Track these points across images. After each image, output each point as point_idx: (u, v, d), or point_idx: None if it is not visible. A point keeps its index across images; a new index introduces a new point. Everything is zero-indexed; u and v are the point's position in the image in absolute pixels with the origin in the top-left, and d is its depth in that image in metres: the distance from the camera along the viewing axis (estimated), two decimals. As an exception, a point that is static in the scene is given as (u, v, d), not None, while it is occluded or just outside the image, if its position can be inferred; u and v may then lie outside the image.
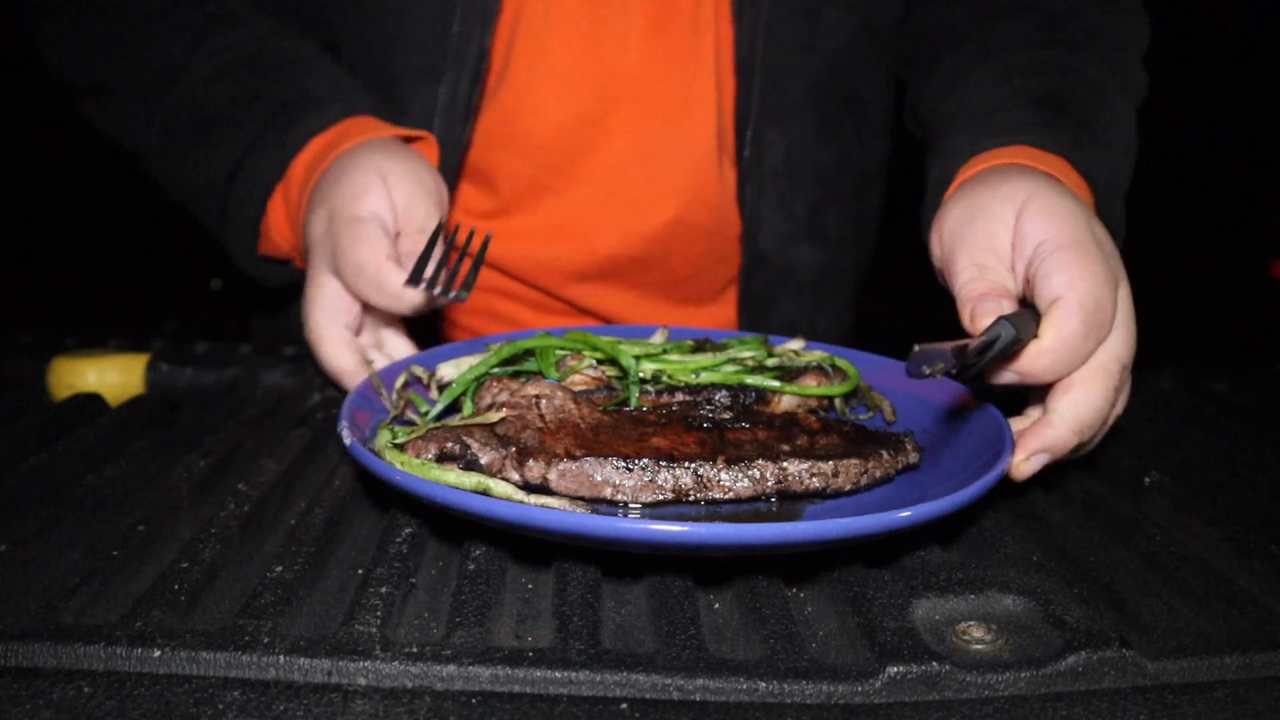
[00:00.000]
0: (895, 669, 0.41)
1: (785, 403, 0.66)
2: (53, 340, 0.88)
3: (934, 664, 0.41)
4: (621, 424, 0.58)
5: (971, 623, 0.45)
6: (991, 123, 0.74)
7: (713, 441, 0.57)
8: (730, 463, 0.54)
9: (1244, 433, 0.77)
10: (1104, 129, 0.76)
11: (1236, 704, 0.41)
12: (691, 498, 0.53)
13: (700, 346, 0.69)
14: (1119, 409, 0.62)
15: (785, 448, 0.57)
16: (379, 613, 0.44)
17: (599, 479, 0.52)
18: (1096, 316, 0.56)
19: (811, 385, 0.66)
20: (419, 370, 0.65)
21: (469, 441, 0.53)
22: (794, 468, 0.54)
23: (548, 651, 0.41)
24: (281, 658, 0.40)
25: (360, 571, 0.51)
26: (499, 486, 0.50)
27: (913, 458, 0.59)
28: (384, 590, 0.46)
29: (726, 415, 0.61)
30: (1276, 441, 0.75)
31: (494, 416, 0.55)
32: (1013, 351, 0.55)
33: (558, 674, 0.40)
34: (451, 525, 0.52)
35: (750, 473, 0.54)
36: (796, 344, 0.72)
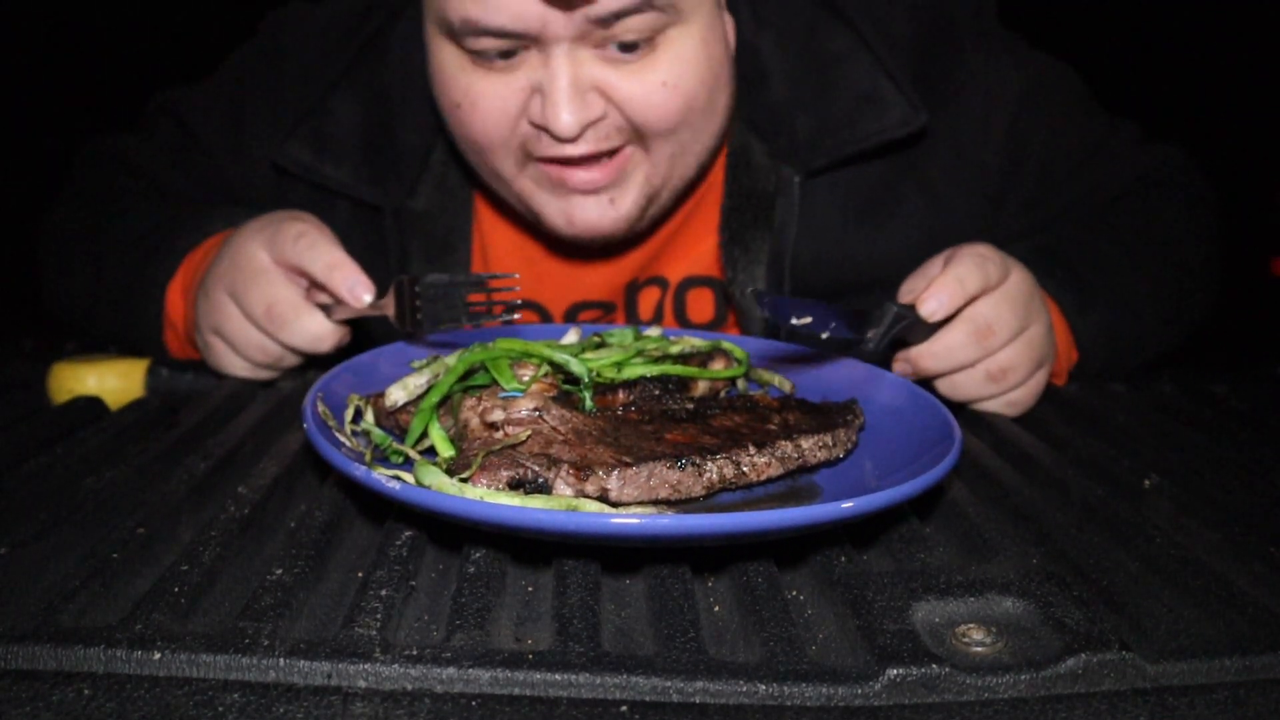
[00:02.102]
0: (895, 671, 0.41)
1: (701, 386, 0.71)
2: (53, 345, 0.89)
3: (934, 666, 0.41)
4: (621, 426, 0.58)
5: (971, 625, 0.45)
6: None
7: (716, 430, 0.58)
8: (759, 447, 0.57)
9: (1244, 435, 0.77)
10: (1092, 279, 0.88)
11: (1236, 706, 0.41)
12: (734, 484, 0.56)
13: (603, 342, 0.72)
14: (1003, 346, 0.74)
15: (774, 427, 0.60)
16: (379, 615, 0.44)
17: (654, 482, 0.53)
18: (977, 259, 0.71)
19: (720, 368, 0.72)
20: (357, 399, 0.63)
21: (530, 464, 0.52)
22: (806, 443, 0.59)
23: (548, 654, 0.41)
24: (281, 660, 0.40)
25: (360, 574, 0.51)
26: (587, 504, 0.49)
27: (863, 418, 0.66)
28: (384, 593, 0.46)
29: (689, 405, 0.64)
30: (1276, 444, 0.75)
31: (522, 436, 0.54)
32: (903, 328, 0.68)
33: (558, 676, 0.40)
34: (450, 529, 0.52)
35: (777, 454, 0.57)
36: (655, 330, 0.77)
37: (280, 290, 0.76)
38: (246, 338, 0.78)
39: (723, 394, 0.73)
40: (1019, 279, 0.75)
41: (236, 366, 0.81)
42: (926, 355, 0.73)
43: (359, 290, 0.73)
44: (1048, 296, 0.83)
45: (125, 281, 0.93)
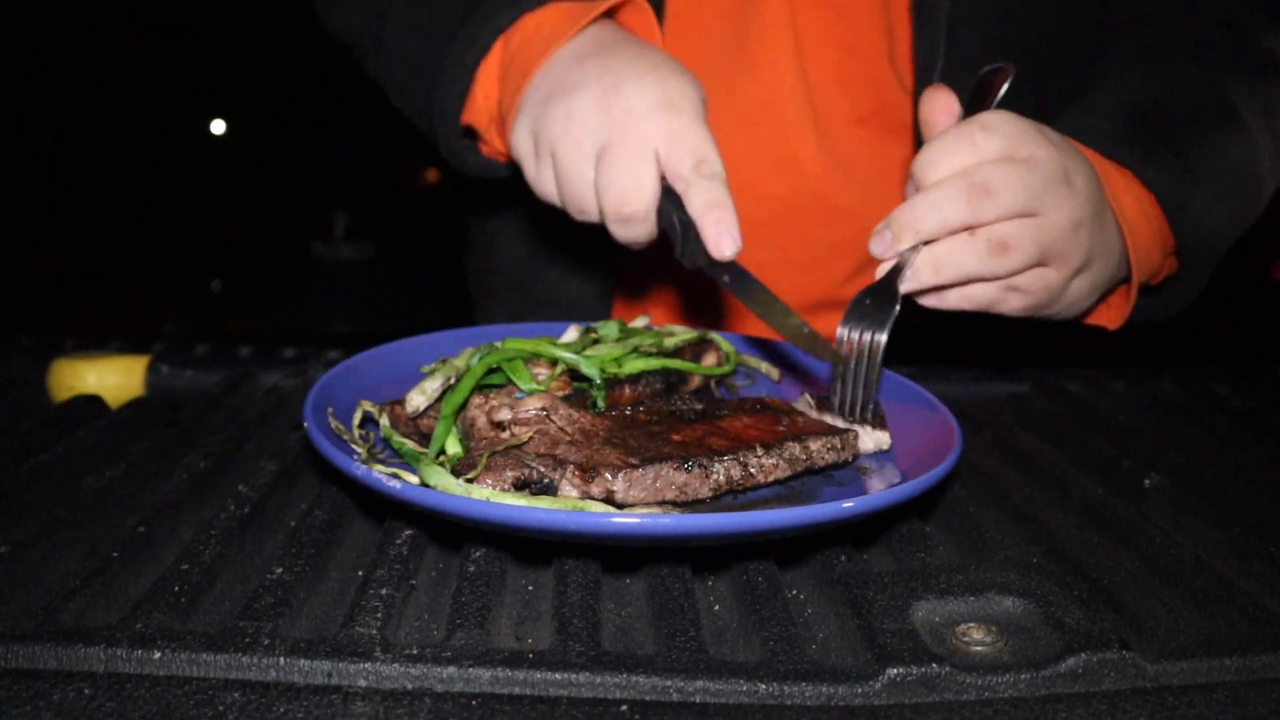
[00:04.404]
0: (895, 671, 0.41)
1: (696, 379, 0.72)
2: (53, 342, 0.88)
3: (934, 666, 0.41)
4: (629, 426, 0.58)
5: (971, 624, 0.45)
6: (1081, 125, 0.72)
7: (724, 431, 0.59)
8: (766, 449, 0.57)
9: (1244, 435, 0.77)
10: (1197, 151, 0.72)
11: (1236, 705, 0.41)
12: (741, 486, 0.56)
13: (600, 339, 0.73)
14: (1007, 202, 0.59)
15: (782, 428, 0.60)
16: (379, 614, 0.44)
17: (660, 484, 0.53)
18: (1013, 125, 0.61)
19: (711, 359, 0.73)
20: (368, 405, 0.62)
21: (536, 465, 0.52)
22: (814, 445, 0.58)
23: (548, 653, 0.41)
24: (282, 659, 0.40)
25: (360, 573, 0.51)
26: (591, 505, 0.49)
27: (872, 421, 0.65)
28: (384, 592, 0.46)
29: (698, 406, 0.63)
30: (1276, 444, 0.75)
31: (524, 436, 0.54)
32: None
33: (558, 676, 0.40)
34: (450, 528, 0.52)
35: (785, 455, 0.57)
36: (640, 321, 0.78)
37: (643, 161, 0.63)
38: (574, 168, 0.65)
39: (713, 383, 0.73)
40: (1056, 157, 0.61)
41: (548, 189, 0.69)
42: (906, 209, 0.60)
43: (725, 243, 0.60)
44: (1135, 181, 0.70)
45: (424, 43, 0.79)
